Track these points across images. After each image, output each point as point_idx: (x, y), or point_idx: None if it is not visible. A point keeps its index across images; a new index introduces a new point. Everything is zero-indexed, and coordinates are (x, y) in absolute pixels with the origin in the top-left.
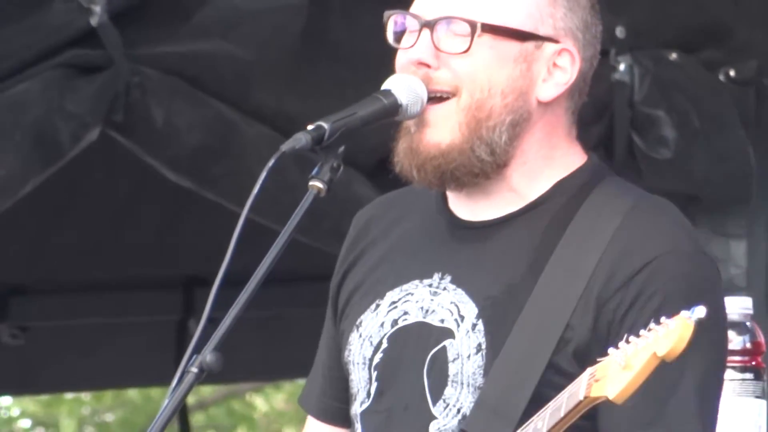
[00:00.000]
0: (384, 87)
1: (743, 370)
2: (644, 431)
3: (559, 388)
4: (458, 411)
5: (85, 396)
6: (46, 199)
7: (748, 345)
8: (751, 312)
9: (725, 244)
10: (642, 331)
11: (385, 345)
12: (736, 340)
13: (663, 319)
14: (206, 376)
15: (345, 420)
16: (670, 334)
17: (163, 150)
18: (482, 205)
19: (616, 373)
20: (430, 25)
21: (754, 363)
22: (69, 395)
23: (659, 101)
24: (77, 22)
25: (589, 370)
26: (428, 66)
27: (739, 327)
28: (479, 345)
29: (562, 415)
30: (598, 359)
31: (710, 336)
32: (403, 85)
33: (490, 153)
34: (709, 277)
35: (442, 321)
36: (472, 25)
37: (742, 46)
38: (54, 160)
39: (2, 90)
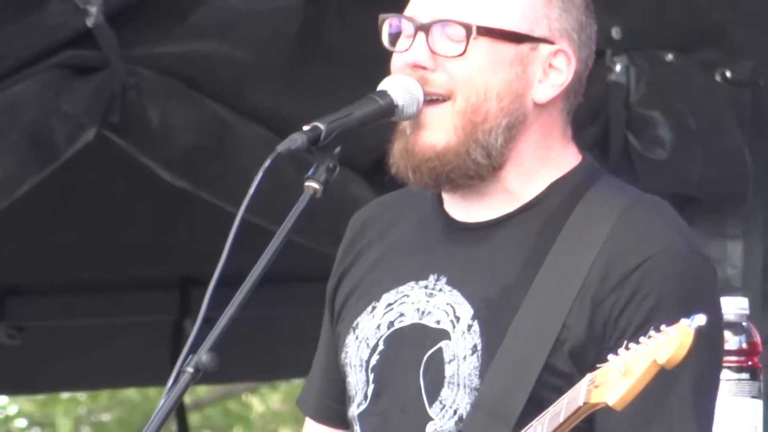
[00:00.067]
0: (380, 88)
1: (739, 370)
2: None
3: (556, 389)
4: (455, 412)
5: (82, 396)
6: (43, 200)
7: (744, 345)
8: (747, 312)
9: (722, 244)
10: (642, 338)
11: (381, 347)
12: (732, 341)
13: (663, 326)
14: (202, 376)
15: (342, 421)
16: (670, 341)
17: (159, 150)
18: (477, 206)
19: (616, 380)
20: (425, 28)
21: (750, 363)
22: (65, 395)
23: (655, 102)
24: (73, 22)
25: (588, 375)
26: (424, 68)
27: (736, 327)
28: (475, 346)
29: (561, 420)
30: (598, 365)
31: (706, 336)
32: (399, 86)
33: (486, 156)
34: (704, 276)
35: (438, 322)
36: (468, 28)
37: (738, 47)
38: (50, 160)
39: None
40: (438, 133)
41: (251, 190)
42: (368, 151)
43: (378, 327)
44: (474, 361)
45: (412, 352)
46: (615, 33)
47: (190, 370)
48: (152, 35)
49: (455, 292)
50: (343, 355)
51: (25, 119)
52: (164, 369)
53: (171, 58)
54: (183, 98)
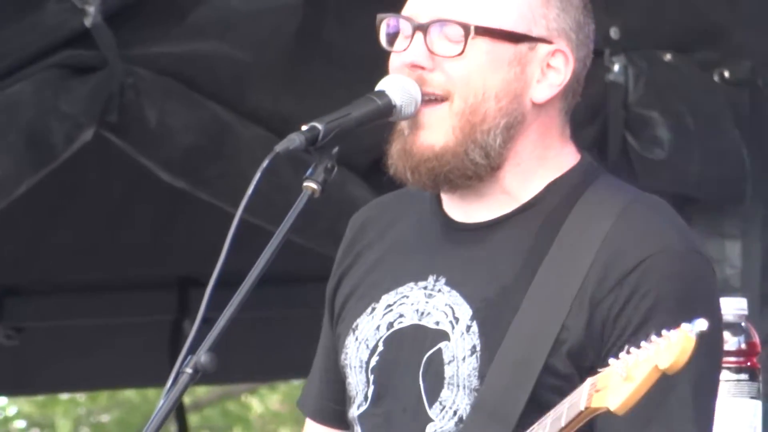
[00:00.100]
0: (378, 88)
1: (738, 370)
2: None
3: (556, 390)
4: (455, 413)
5: (81, 396)
6: (41, 200)
7: (743, 346)
8: (746, 312)
9: (720, 244)
10: (643, 343)
11: (381, 348)
12: (731, 341)
13: (664, 331)
14: (201, 377)
15: (343, 422)
16: (672, 347)
17: (157, 151)
18: (476, 206)
19: (618, 385)
20: (423, 28)
21: (749, 364)
22: (64, 396)
23: (653, 102)
24: (71, 22)
25: (589, 380)
26: (422, 68)
27: (734, 328)
28: (474, 347)
29: (562, 424)
30: (599, 369)
31: (706, 337)
32: (397, 86)
33: (485, 156)
34: (703, 276)
35: (437, 323)
36: (466, 28)
37: (737, 47)
38: (48, 160)
39: None
40: (436, 133)
41: (250, 191)
42: (366, 151)
43: (377, 328)
44: (473, 362)
45: (411, 353)
46: (613, 33)
47: (189, 370)
48: (150, 35)
49: (454, 292)
50: (342, 356)
51: (23, 119)
52: (163, 369)
53: (169, 58)
54: (181, 98)
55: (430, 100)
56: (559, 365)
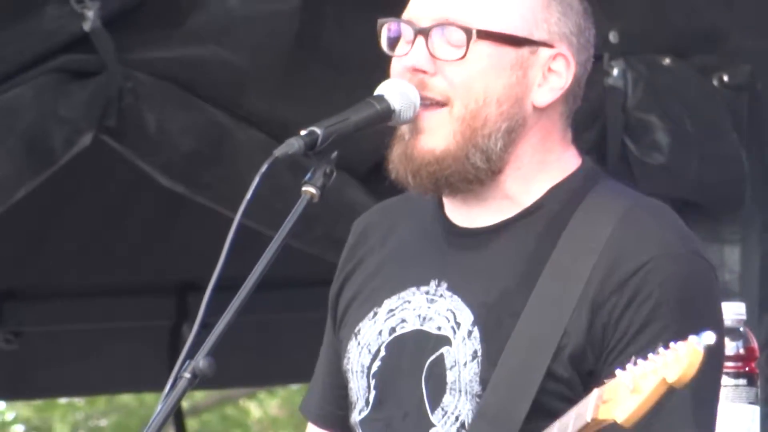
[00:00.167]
0: (377, 92)
1: (737, 375)
2: None
3: (558, 396)
4: (456, 419)
5: (79, 401)
6: (39, 204)
7: (742, 351)
8: (744, 318)
9: (719, 249)
10: (650, 354)
11: (383, 353)
12: (729, 346)
13: (672, 344)
14: (199, 382)
15: (344, 427)
16: (680, 360)
17: (156, 155)
18: (477, 211)
19: (625, 396)
20: (425, 32)
21: (747, 369)
22: (63, 400)
23: (652, 106)
24: (70, 27)
25: (596, 390)
26: (424, 72)
27: (733, 333)
28: (475, 352)
29: None
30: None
31: None
32: (395, 91)
33: (486, 160)
34: (704, 279)
35: (439, 328)
36: (468, 32)
37: (736, 51)
38: (47, 165)
39: None
40: (437, 137)
41: (248, 195)
42: (365, 156)
43: (380, 333)
44: (474, 367)
45: (413, 358)
46: (612, 37)
47: (187, 375)
48: (149, 40)
49: (456, 297)
50: (345, 361)
51: (22, 124)
52: (162, 374)
53: (168, 63)
54: (180, 103)
55: (429, 104)
56: (561, 370)
